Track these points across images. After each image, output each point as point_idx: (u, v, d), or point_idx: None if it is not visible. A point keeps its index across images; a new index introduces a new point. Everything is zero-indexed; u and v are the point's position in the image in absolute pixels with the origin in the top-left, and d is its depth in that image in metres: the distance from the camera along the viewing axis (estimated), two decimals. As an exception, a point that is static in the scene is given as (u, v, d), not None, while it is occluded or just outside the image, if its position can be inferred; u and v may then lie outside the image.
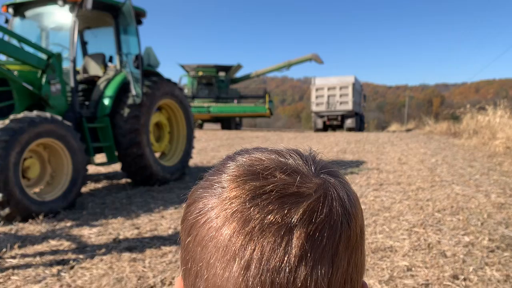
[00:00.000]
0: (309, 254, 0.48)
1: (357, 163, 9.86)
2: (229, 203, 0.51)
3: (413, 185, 7.05)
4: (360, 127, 28.77)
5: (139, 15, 7.76)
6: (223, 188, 0.53)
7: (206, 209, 0.53)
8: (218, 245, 0.50)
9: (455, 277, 3.30)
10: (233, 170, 0.54)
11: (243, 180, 0.52)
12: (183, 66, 28.66)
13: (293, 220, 0.48)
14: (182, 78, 28.27)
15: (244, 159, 0.56)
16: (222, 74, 28.61)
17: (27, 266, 3.66)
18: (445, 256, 3.77)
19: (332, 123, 27.84)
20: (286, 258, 0.47)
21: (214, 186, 0.54)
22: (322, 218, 0.50)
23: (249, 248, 0.48)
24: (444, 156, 10.86)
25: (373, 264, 3.61)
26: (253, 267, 0.47)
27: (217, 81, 28.01)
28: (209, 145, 14.62)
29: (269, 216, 0.49)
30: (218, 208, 0.51)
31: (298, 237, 0.48)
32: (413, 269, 3.49)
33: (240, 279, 0.48)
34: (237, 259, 0.48)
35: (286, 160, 0.56)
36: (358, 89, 29.69)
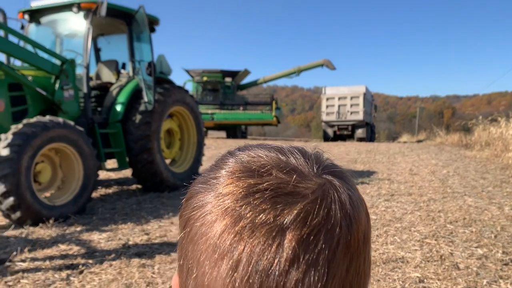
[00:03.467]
0: (301, 258, 0.45)
1: (368, 173, 9.79)
2: (222, 199, 0.49)
3: (425, 196, 6.97)
4: (370, 137, 28.59)
5: (152, 22, 7.83)
6: (218, 184, 0.51)
7: (200, 204, 0.51)
8: (208, 242, 0.48)
9: (468, 290, 3.24)
10: (230, 166, 0.53)
11: (238, 176, 0.50)
12: (188, 71, 27.52)
13: (285, 221, 0.46)
14: (186, 83, 26.80)
15: (243, 155, 0.54)
16: (228, 79, 27.31)
17: (37, 270, 3.67)
18: (458, 268, 3.70)
19: (343, 133, 27.67)
20: (276, 261, 0.44)
21: (210, 182, 0.52)
22: (318, 220, 0.47)
23: (239, 248, 0.46)
24: (455, 167, 10.74)
25: (384, 275, 3.56)
26: (241, 268, 0.45)
27: (223, 87, 26.66)
28: (219, 153, 14.57)
29: (261, 216, 0.46)
30: (212, 204, 0.50)
31: (290, 239, 0.45)
32: (425, 280, 3.43)
33: (228, 280, 0.45)
34: (225, 258, 0.46)
35: (287, 158, 0.53)
36: (369, 99, 29.55)
